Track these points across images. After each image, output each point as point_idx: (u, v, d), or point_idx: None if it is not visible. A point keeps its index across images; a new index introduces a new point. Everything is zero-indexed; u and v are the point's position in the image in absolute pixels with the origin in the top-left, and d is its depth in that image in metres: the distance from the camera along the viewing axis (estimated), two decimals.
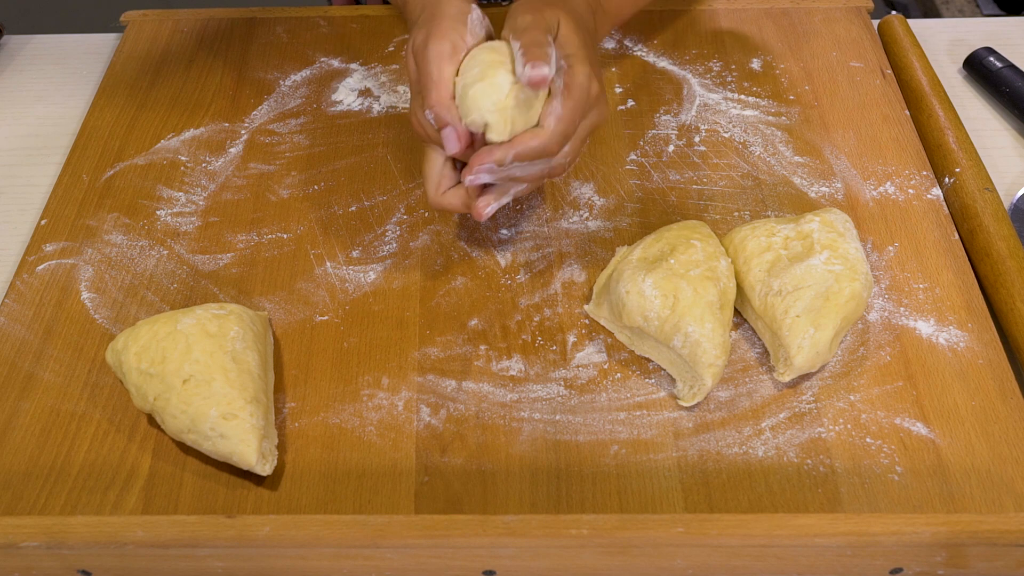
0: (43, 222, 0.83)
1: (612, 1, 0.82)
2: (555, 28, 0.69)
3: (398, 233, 0.82)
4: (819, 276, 0.70)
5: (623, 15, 0.86)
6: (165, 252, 0.80)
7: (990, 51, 0.98)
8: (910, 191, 0.84)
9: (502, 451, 0.67)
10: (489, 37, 0.72)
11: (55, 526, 0.63)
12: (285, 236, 0.82)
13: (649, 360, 0.72)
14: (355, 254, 0.80)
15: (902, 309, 0.75)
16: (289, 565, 0.63)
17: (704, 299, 0.68)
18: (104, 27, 1.08)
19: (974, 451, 0.66)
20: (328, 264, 0.79)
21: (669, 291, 0.68)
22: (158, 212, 0.84)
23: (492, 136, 0.67)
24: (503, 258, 0.79)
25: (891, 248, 0.79)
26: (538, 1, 0.71)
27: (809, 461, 0.66)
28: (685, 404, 0.69)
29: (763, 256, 0.72)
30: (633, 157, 0.88)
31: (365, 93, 0.95)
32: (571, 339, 0.74)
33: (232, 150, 0.89)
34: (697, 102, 0.93)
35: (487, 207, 0.70)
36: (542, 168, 0.70)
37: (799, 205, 0.83)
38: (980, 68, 0.97)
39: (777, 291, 0.70)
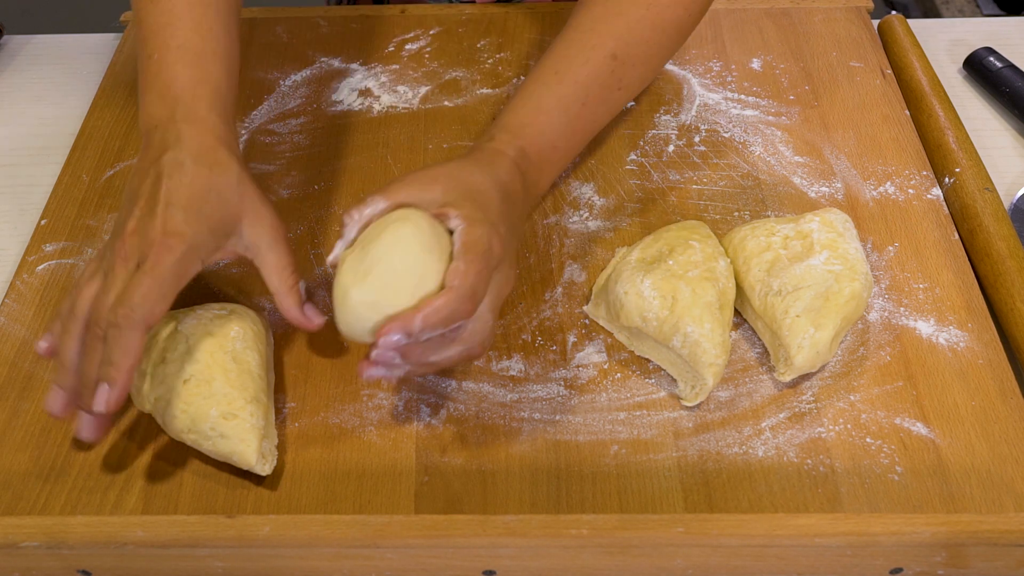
0: (43, 222, 0.83)
1: (544, 149, 0.73)
2: (435, 203, 0.64)
3: None
4: (819, 276, 0.70)
5: (563, 156, 0.75)
6: None
7: (990, 51, 0.98)
8: (910, 191, 0.84)
9: (502, 451, 0.67)
10: None
11: (55, 526, 0.63)
12: None
13: (649, 360, 0.72)
14: None
15: (902, 309, 0.75)
16: (289, 565, 0.63)
17: (702, 299, 0.68)
18: (104, 27, 1.08)
19: (974, 451, 0.66)
20: (328, 264, 0.79)
21: (667, 292, 0.68)
22: None
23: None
24: None
25: (891, 248, 0.79)
26: (426, 176, 0.66)
27: (809, 461, 0.66)
28: (688, 404, 0.69)
29: (763, 256, 0.72)
30: (633, 157, 0.88)
31: (365, 93, 0.95)
32: (571, 339, 0.74)
33: None
34: (697, 102, 0.93)
35: (370, 370, 0.61)
36: (459, 350, 0.63)
37: (799, 205, 0.83)
38: (980, 68, 0.97)
39: (777, 291, 0.70)
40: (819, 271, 0.70)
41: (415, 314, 0.59)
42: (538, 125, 0.73)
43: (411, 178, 0.66)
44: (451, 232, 0.64)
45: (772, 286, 0.70)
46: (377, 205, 0.65)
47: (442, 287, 0.61)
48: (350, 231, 0.65)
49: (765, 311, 0.70)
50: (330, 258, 0.65)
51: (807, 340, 0.68)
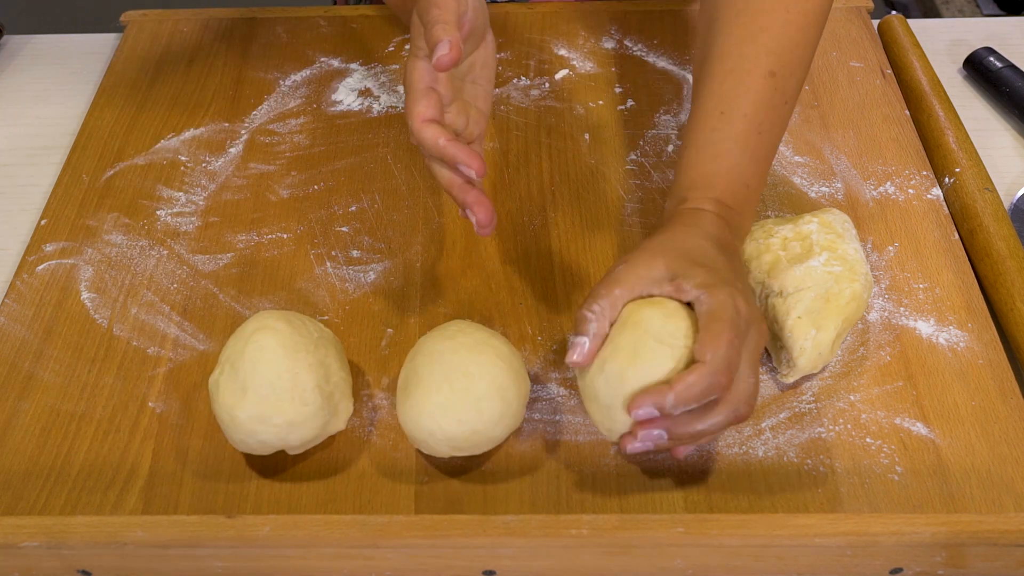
0: (43, 222, 0.83)
1: (737, 192, 0.68)
2: (664, 279, 0.62)
3: (398, 233, 0.82)
4: (819, 278, 0.70)
5: (756, 191, 0.70)
6: (165, 252, 0.80)
7: (990, 51, 0.98)
8: (910, 191, 0.84)
9: (502, 451, 0.67)
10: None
11: (55, 526, 0.62)
12: (285, 236, 0.82)
13: None
14: (355, 254, 0.80)
15: (902, 309, 0.75)
16: (289, 565, 0.63)
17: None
18: (104, 27, 1.08)
19: (974, 451, 0.66)
20: (328, 264, 0.79)
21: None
22: (158, 212, 0.84)
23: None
24: (504, 258, 0.79)
25: (891, 248, 0.79)
26: (644, 255, 0.63)
27: (809, 461, 0.66)
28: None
29: (762, 258, 0.72)
30: (633, 157, 0.88)
31: (365, 93, 0.95)
32: (571, 339, 0.73)
33: (232, 150, 0.89)
34: None
35: (633, 444, 0.60)
36: (725, 414, 0.60)
37: (799, 205, 0.83)
38: (980, 68, 0.97)
39: (778, 293, 0.70)
40: (819, 272, 0.70)
41: (668, 390, 0.58)
42: (724, 171, 0.69)
43: (630, 262, 0.64)
44: (689, 304, 0.62)
45: (772, 288, 0.70)
46: (613, 293, 0.62)
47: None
48: (599, 326, 0.62)
49: (766, 313, 0.70)
50: (575, 357, 0.62)
51: (809, 342, 0.68)
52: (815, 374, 0.71)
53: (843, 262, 0.70)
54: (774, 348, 0.71)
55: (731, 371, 0.59)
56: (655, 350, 0.60)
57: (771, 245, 0.72)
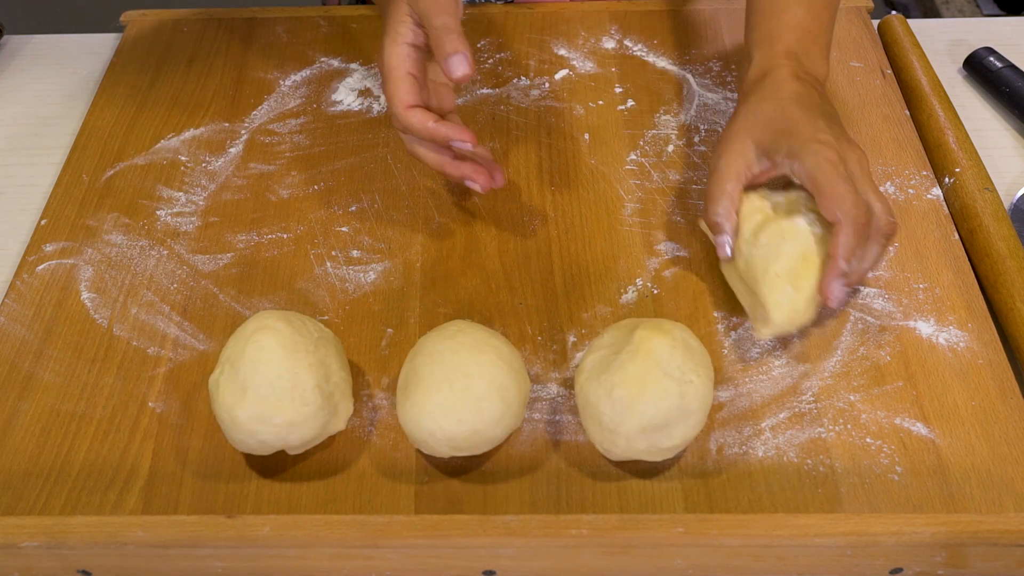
0: (43, 222, 0.83)
1: (801, 40, 0.78)
2: (761, 158, 0.71)
3: (398, 233, 0.82)
4: (802, 235, 0.70)
5: (820, 34, 0.80)
6: (165, 252, 0.80)
7: (990, 51, 0.98)
8: (910, 191, 0.84)
9: (502, 451, 0.67)
10: None
11: (55, 526, 0.63)
12: (285, 236, 0.82)
13: None
14: (355, 254, 0.80)
15: (902, 309, 0.75)
16: (289, 565, 0.63)
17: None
18: (104, 27, 1.08)
19: (974, 451, 0.66)
20: (328, 264, 0.79)
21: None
22: (158, 212, 0.84)
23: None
24: (504, 258, 0.79)
25: (891, 248, 0.79)
26: (732, 139, 0.73)
27: (809, 461, 0.66)
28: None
29: (752, 217, 0.72)
30: (633, 157, 0.88)
31: (365, 93, 0.95)
32: (571, 339, 0.74)
33: (232, 150, 0.89)
34: (696, 102, 0.93)
35: (836, 294, 0.68)
36: (877, 242, 0.69)
37: None
38: (980, 68, 0.97)
39: (758, 247, 0.70)
40: (803, 231, 0.70)
41: (835, 262, 0.66)
42: (784, 25, 0.77)
43: (724, 154, 0.72)
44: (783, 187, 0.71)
45: (757, 242, 0.70)
46: (726, 191, 0.71)
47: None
48: (731, 223, 0.71)
49: (747, 270, 0.70)
50: (729, 252, 0.71)
51: (785, 298, 0.68)
52: (814, 373, 0.71)
53: (827, 226, 0.70)
54: (752, 306, 0.71)
55: (862, 207, 0.67)
56: (662, 383, 0.62)
57: (763, 207, 0.72)
